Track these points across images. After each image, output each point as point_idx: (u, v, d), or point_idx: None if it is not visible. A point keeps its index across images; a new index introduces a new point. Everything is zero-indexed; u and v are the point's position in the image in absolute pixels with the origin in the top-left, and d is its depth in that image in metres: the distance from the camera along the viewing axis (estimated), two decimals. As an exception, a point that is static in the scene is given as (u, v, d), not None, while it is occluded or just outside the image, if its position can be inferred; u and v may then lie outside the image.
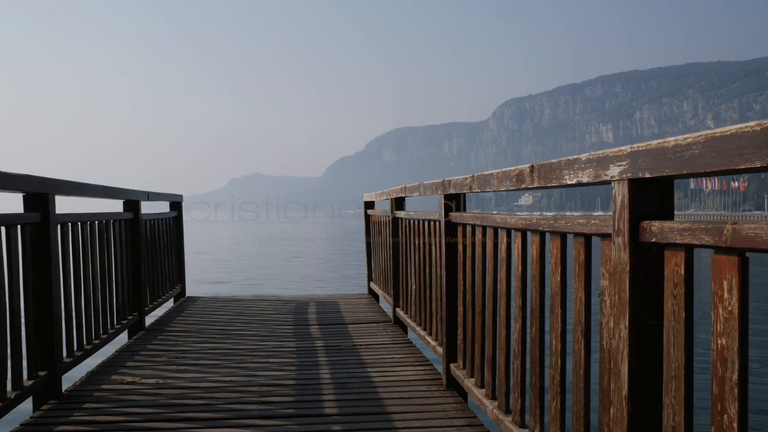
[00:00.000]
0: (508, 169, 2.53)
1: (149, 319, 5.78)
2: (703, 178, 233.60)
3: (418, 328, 4.70)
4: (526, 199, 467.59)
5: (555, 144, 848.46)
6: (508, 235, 2.70)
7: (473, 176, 3.10)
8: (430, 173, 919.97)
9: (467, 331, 3.41)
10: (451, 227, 3.65)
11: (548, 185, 2.13)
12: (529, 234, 2.45)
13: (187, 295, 7.56)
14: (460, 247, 3.46)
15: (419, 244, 4.66)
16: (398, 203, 5.63)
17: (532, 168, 2.28)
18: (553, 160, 2.10)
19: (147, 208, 5.81)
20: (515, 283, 2.59)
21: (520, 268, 2.54)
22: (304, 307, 6.61)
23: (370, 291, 7.57)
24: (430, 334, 4.31)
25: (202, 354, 4.48)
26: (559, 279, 2.16)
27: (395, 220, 5.68)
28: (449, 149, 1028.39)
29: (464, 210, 3.62)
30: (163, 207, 7.01)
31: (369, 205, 7.52)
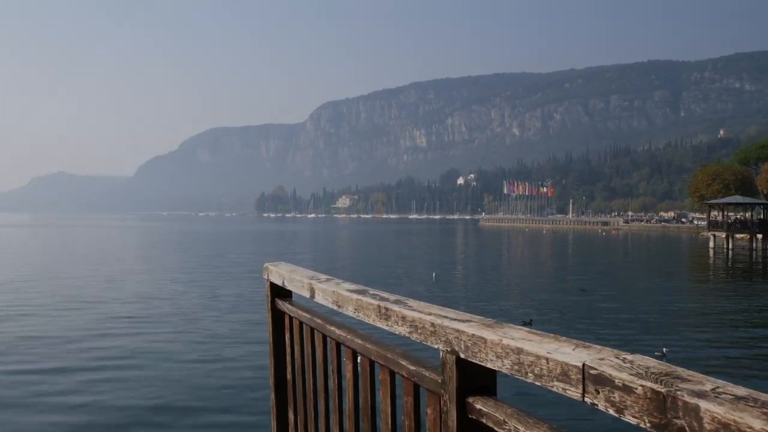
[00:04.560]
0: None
1: None
2: (515, 182, 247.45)
3: None
4: (343, 201, 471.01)
5: (371, 148, 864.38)
6: None
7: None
8: (247, 174, 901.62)
9: None
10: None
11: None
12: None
13: None
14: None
15: None
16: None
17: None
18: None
19: None
20: None
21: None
22: None
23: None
24: None
25: None
26: None
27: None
28: (266, 151, 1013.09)
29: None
30: None
31: (279, 291, 3.77)
